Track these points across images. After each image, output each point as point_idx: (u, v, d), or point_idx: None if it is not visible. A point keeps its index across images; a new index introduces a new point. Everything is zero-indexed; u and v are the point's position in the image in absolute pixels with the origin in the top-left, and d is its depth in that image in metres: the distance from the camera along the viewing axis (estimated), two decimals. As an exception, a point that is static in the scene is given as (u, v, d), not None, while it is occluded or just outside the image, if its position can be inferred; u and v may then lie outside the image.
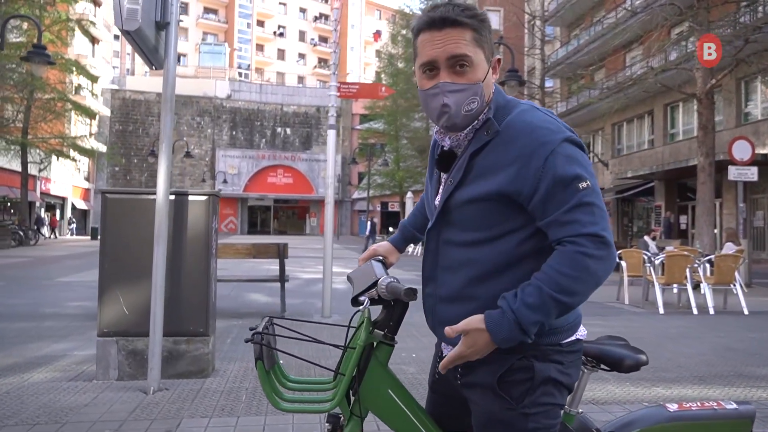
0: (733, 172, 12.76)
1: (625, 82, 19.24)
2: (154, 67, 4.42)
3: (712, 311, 8.34)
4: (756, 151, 13.49)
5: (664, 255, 8.90)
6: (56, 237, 30.74)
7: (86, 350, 5.17)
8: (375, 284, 1.56)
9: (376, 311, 1.61)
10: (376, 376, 1.58)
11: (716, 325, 7.42)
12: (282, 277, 7.46)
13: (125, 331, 4.29)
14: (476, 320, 1.35)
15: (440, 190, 1.54)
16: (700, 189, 14.28)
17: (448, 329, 1.37)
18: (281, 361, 1.66)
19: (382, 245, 1.90)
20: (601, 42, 24.15)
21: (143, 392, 3.97)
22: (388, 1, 75.66)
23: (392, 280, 1.53)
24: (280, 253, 7.35)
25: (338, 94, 7.58)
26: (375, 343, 1.59)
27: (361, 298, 1.58)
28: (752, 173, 12.78)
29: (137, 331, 4.26)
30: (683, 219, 23.04)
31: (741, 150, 12.98)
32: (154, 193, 4.16)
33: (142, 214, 4.33)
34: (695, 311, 8.30)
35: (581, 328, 1.53)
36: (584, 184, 1.34)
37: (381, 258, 1.84)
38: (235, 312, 7.65)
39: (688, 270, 8.57)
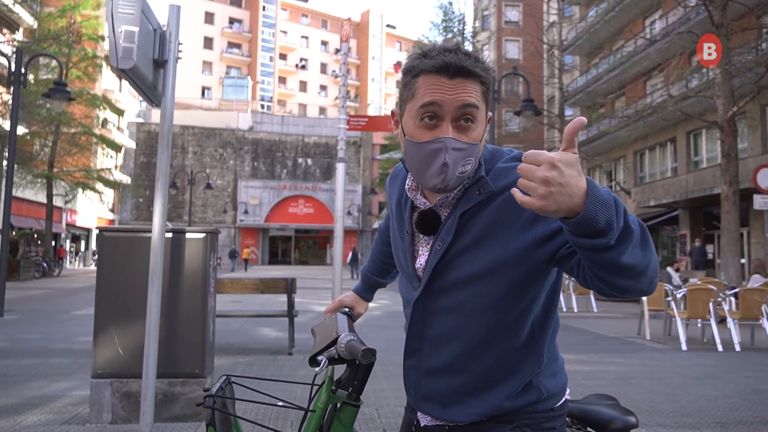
0: (759, 201, 12.40)
1: (645, 110, 18.99)
2: (153, 104, 4.42)
3: (738, 347, 7.98)
4: (782, 179, 13.11)
5: (685, 288, 8.58)
6: (63, 268, 30.62)
7: (85, 390, 5.08)
8: (335, 342, 1.44)
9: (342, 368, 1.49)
10: None
11: (743, 363, 7.08)
12: (290, 313, 7.34)
13: (120, 373, 4.20)
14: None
15: (420, 253, 1.38)
16: (724, 218, 13.89)
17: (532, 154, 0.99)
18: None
19: (349, 296, 1.78)
20: (620, 70, 23.96)
21: (135, 437, 3.85)
22: (408, 33, 76.88)
23: (352, 337, 1.41)
24: (288, 288, 7.25)
25: (347, 127, 7.56)
26: (339, 404, 1.48)
27: (319, 358, 1.46)
28: (778, 202, 12.41)
29: (132, 372, 4.15)
30: (710, 248, 22.38)
31: (766, 178, 12.62)
32: (150, 231, 4.10)
33: (138, 252, 4.27)
34: (720, 347, 7.94)
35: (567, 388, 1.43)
36: None
37: (348, 310, 1.72)
38: (243, 348, 7.53)
39: (711, 304, 8.24)
